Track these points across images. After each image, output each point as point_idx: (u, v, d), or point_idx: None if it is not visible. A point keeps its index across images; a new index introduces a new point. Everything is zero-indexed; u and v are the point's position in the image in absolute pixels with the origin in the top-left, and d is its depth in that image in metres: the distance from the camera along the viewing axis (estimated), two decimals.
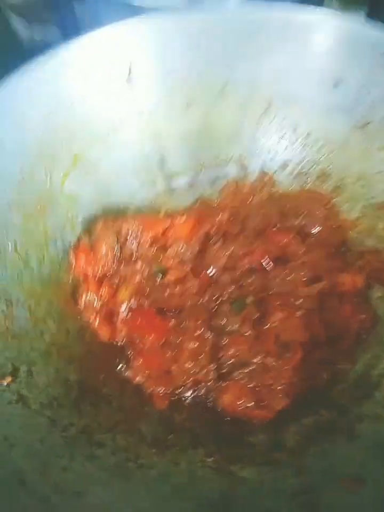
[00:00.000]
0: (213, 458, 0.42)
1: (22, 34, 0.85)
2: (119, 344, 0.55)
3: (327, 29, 0.56)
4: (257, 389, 0.48)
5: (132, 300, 0.57)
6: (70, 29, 0.81)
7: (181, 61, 0.61)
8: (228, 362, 0.51)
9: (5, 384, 0.42)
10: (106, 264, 0.59)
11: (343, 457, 0.40)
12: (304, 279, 0.54)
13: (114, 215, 0.63)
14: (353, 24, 0.56)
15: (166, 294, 0.58)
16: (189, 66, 0.62)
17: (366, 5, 0.75)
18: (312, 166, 0.63)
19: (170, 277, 0.59)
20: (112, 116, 0.62)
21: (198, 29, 0.59)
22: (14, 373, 0.44)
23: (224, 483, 0.40)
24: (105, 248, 0.59)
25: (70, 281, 0.57)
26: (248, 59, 0.60)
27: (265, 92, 0.63)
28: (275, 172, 0.64)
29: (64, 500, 0.34)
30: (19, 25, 0.83)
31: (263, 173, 0.64)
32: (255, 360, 0.50)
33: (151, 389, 0.50)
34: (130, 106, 0.63)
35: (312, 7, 0.58)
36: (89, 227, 0.61)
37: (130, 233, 0.60)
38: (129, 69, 0.61)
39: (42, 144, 0.57)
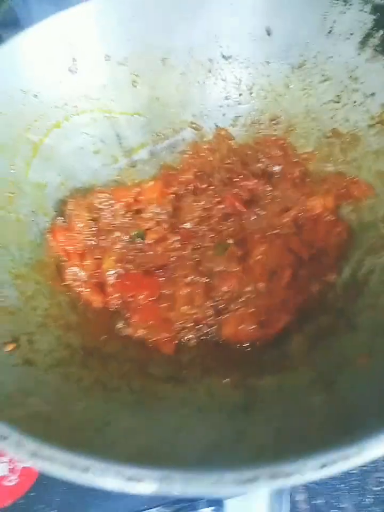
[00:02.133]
0: (228, 379, 0.43)
1: None
2: (113, 308, 0.55)
3: None
4: (256, 313, 0.49)
5: (118, 267, 0.57)
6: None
7: (121, 41, 0.64)
8: (223, 298, 0.52)
9: (8, 350, 0.42)
10: (85, 238, 0.60)
11: (348, 344, 0.42)
12: (277, 211, 0.57)
13: (83, 195, 0.64)
14: None
15: (150, 255, 0.59)
16: (128, 45, 0.65)
17: None
18: (262, 114, 0.66)
19: (150, 238, 0.60)
20: (63, 103, 0.64)
21: (131, 4, 0.62)
22: (15, 341, 0.43)
23: (244, 393, 0.40)
24: (80, 224, 0.60)
25: (53, 261, 0.58)
26: (182, 25, 0.64)
27: (203, 55, 0.66)
28: (229, 126, 0.67)
29: (92, 431, 0.34)
30: None
31: (219, 129, 0.67)
32: (247, 289, 0.51)
33: (155, 338, 0.50)
34: (79, 92, 0.65)
35: None
36: (61, 209, 0.62)
37: (102, 206, 0.61)
38: (72, 58, 0.63)
39: (1, 136, 0.58)
